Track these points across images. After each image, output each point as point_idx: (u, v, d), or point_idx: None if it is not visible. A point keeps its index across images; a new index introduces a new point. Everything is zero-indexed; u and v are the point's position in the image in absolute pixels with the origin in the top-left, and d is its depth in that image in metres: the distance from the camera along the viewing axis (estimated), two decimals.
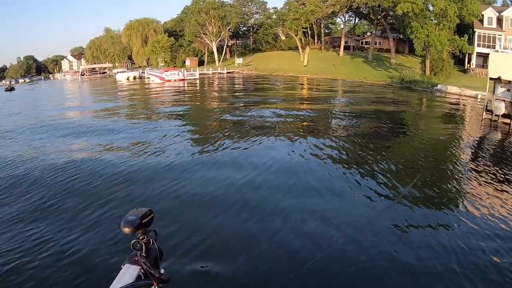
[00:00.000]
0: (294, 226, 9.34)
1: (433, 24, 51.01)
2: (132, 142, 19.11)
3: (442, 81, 48.70)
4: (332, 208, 10.52)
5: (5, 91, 74.54)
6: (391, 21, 72.76)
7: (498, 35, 58.28)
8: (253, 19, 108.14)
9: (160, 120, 26.43)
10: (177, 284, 6.32)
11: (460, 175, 14.12)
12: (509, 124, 23.40)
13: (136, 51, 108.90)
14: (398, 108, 33.06)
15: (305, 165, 14.96)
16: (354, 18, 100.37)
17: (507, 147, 19.86)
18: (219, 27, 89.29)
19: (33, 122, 27.23)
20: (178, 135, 20.77)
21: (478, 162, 16.30)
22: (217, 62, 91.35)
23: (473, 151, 19.07)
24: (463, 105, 36.18)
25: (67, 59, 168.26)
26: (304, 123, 25.34)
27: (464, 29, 58.08)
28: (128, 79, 72.87)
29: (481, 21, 59.86)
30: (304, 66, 77.87)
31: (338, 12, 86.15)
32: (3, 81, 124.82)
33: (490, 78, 24.76)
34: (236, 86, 57.85)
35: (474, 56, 60.56)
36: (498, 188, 12.12)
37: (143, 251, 3.06)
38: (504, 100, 23.69)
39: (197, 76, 69.13)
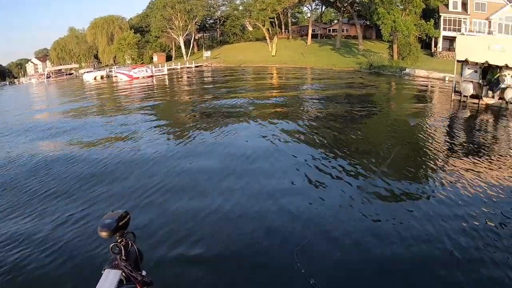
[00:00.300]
0: (271, 208, 9.58)
1: (400, 9, 51.49)
2: (102, 139, 18.87)
3: (410, 65, 49.43)
4: (311, 188, 10.89)
5: None
6: (358, 8, 73.33)
7: (463, 18, 59.34)
8: (219, 11, 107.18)
9: (130, 116, 25.82)
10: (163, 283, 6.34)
11: (433, 150, 14.86)
12: (477, 104, 23.91)
13: (102, 49, 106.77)
14: (368, 92, 33.62)
15: (278, 149, 15.14)
16: (320, 6, 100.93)
17: (476, 124, 20.84)
18: (186, 20, 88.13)
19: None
20: (150, 129, 20.65)
21: (449, 138, 17.28)
22: (185, 56, 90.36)
23: (444, 128, 19.72)
24: (432, 87, 36.83)
25: (31, 62, 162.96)
26: (276, 109, 25.49)
27: (430, 13, 58.99)
28: (95, 78, 71.17)
29: (446, 5, 60.93)
30: (273, 56, 77.74)
31: (305, 1, 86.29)
32: None
33: (458, 61, 25.10)
34: (205, 79, 57.45)
35: (440, 40, 61.63)
36: (469, 160, 13.14)
37: (123, 254, 3.00)
38: (471, 82, 24.11)
39: (166, 72, 68.07)
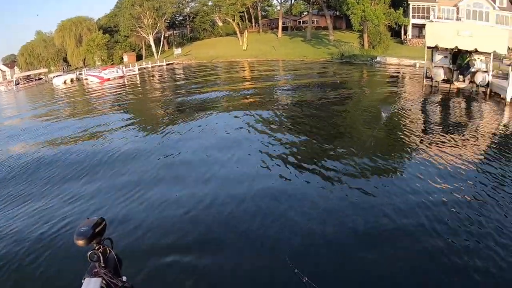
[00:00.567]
0: (248, 195, 9.85)
1: None
2: (75, 138, 18.92)
3: (381, 53, 50.10)
4: (286, 172, 11.35)
5: None
6: None
7: (431, 6, 60.05)
8: (188, 8, 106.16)
9: (103, 117, 25.64)
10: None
11: (409, 131, 15.65)
12: (448, 88, 24.40)
13: (71, 52, 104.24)
14: (341, 79, 33.96)
15: (250, 137, 15.55)
16: None
17: (447, 107, 21.88)
18: (155, 18, 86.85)
19: None
20: (123, 127, 20.65)
21: (423, 121, 18.27)
22: (155, 55, 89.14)
23: (417, 112, 20.53)
24: (403, 74, 37.47)
25: None
26: (249, 100, 26.00)
27: (399, 2, 59.58)
28: (65, 82, 69.46)
29: None
30: (244, 50, 77.51)
31: None
32: None
33: (428, 47, 25.52)
34: (177, 76, 57.20)
35: (410, 28, 62.48)
36: (441, 140, 14.13)
37: (102, 262, 2.97)
38: (442, 67, 24.54)
39: (137, 72, 67.08)
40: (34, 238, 8.58)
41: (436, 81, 25.03)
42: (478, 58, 23.11)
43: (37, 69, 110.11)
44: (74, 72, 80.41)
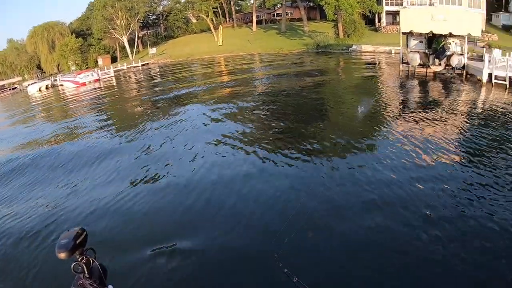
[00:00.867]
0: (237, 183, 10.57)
1: None
2: (53, 140, 19.14)
3: (356, 42, 50.40)
4: (278, 161, 11.78)
5: None
6: None
7: None
8: (161, 6, 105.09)
9: (81, 119, 25.50)
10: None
11: (388, 114, 16.40)
12: (425, 72, 24.68)
13: (44, 58, 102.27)
14: (319, 68, 34.24)
15: (232, 128, 15.81)
16: None
17: (424, 89, 22.64)
18: (128, 19, 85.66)
19: None
20: (103, 127, 20.83)
21: (401, 103, 18.98)
22: (130, 56, 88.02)
23: (397, 95, 21.24)
24: (379, 60, 37.86)
25: None
26: (226, 91, 26.55)
27: None
28: (40, 90, 68.02)
29: None
30: (220, 45, 77.26)
31: None
32: None
33: (403, 33, 25.74)
34: (153, 75, 56.94)
35: (383, 15, 62.75)
36: (419, 119, 14.96)
37: (86, 273, 2.94)
38: (418, 52, 24.82)
39: (112, 74, 66.16)
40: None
41: (412, 66, 25.26)
42: (453, 42, 23.39)
43: (10, 78, 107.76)
44: (49, 79, 78.99)
